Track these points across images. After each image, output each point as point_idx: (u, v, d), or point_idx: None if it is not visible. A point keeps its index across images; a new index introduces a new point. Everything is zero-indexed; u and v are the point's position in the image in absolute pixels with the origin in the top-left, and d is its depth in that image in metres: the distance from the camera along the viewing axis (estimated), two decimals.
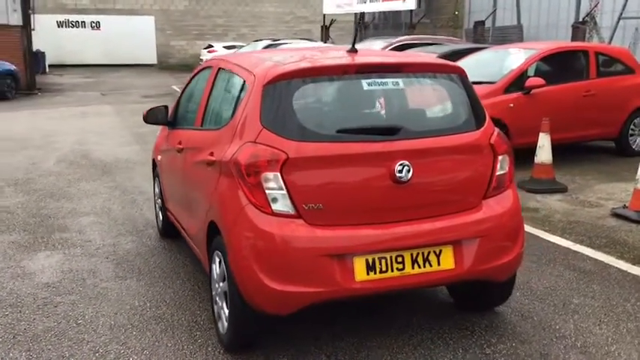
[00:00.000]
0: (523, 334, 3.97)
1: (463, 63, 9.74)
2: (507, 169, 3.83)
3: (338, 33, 30.55)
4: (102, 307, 4.39)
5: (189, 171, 4.47)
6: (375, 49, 4.74)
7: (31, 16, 25.90)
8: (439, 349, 3.77)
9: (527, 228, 5.99)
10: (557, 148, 7.82)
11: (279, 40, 20.81)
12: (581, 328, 4.05)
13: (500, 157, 3.78)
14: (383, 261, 3.44)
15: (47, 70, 30.72)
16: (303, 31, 35.63)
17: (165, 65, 34.70)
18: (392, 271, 3.45)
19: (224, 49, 28.29)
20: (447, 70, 3.88)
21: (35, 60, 29.77)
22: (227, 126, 3.83)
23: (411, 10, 21.83)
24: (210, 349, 3.79)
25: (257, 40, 22.93)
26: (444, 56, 10.73)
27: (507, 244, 3.77)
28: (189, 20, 36.03)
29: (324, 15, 26.12)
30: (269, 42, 20.06)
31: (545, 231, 6.03)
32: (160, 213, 5.87)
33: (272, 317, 3.51)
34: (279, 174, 3.34)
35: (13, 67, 20.77)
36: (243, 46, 23.72)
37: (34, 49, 30.19)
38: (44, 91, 22.90)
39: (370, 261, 3.42)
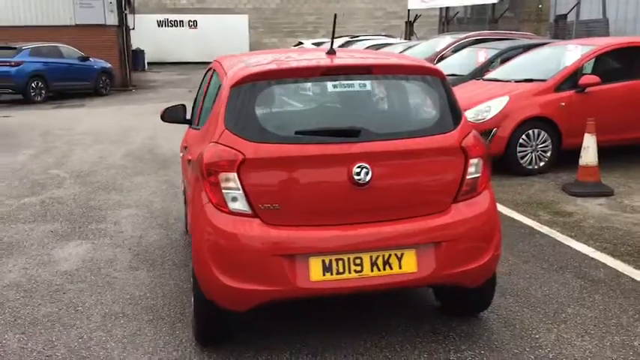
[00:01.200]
0: (498, 341, 3.87)
1: (519, 60, 9.48)
2: (481, 172, 3.75)
3: (430, 28, 30.22)
4: (104, 296, 4.65)
5: (185, 169, 4.66)
6: (357, 51, 4.70)
7: (131, 16, 27.30)
8: (404, 352, 3.76)
9: (553, 234, 5.83)
10: (615, 150, 7.45)
11: (357, 37, 20.84)
12: (562, 338, 3.90)
13: (472, 161, 3.71)
14: (340, 262, 3.47)
15: (146, 67, 32.24)
16: (392, 27, 35.48)
17: None
18: (349, 272, 3.47)
19: (312, 45, 28.63)
20: (420, 71, 3.84)
21: (135, 58, 31.39)
22: (204, 126, 3.98)
23: (493, 4, 21.25)
24: (183, 341, 3.94)
25: (339, 37, 23.05)
26: (502, 53, 10.47)
27: (477, 249, 3.70)
28: (280, 18, 36.73)
29: (409, 10, 25.90)
30: (347, 39, 20.16)
31: (571, 237, 5.78)
32: (184, 208, 6.11)
33: (236, 312, 3.61)
34: (236, 174, 3.43)
35: (108, 65, 22.00)
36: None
37: (135, 47, 31.84)
38: (138, 88, 24.08)
39: (327, 262, 3.45)
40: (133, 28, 28.41)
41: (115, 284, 4.88)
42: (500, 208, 6.67)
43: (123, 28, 24.14)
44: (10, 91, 18.81)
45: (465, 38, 12.82)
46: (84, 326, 4.17)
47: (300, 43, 30.90)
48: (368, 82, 3.72)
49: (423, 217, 3.62)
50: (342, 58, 3.91)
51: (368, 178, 3.45)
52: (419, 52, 13.29)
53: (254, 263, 3.42)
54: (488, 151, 7.50)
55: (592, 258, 5.24)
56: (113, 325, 4.18)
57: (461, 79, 10.10)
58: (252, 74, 3.64)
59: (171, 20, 36.32)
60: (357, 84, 3.69)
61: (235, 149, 3.47)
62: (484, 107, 8.24)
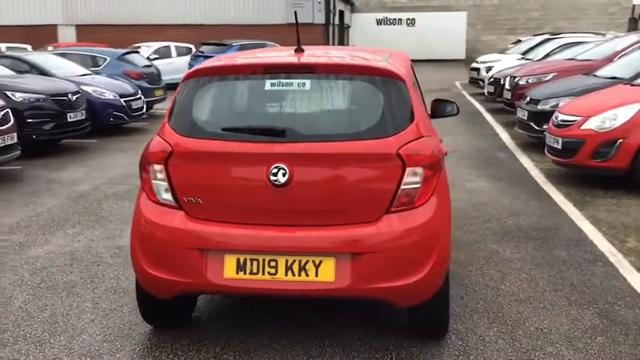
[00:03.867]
0: None
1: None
2: (422, 183, 3.44)
3: None
4: (128, 272, 5.02)
5: None
6: (327, 48, 4.46)
7: (349, 14, 28.28)
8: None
9: (621, 263, 5.06)
10: None
11: (559, 34, 19.40)
12: None
13: (410, 170, 3.42)
14: (255, 263, 3.44)
15: None
16: (626, 24, 32.26)
17: (472, 61, 34.67)
18: (263, 274, 3.43)
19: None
20: (368, 72, 3.62)
21: None
22: None
23: None
24: (134, 316, 4.16)
25: (538, 34, 21.65)
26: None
27: (406, 266, 3.41)
28: (502, 14, 35.40)
29: (633, 6, 23.41)
30: (547, 36, 18.89)
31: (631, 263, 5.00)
32: None
33: (161, 299, 3.74)
34: (163, 166, 3.57)
35: None
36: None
37: (350, 44, 33.01)
38: None
39: (241, 260, 3.44)
40: (349, 26, 29.43)
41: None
42: (588, 227, 5.96)
43: (329, 27, 25.16)
44: None
45: None
46: (82, 297, 4.57)
47: (519, 40, 29.51)
48: (308, 82, 3.60)
49: (348, 225, 3.43)
50: (300, 57, 3.81)
51: (284, 179, 3.37)
52: (597, 52, 12.08)
53: (171, 254, 3.53)
54: (608, 164, 6.79)
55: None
56: (102, 299, 4.53)
57: (613, 82, 9.02)
58: (197, 70, 3.74)
59: (389, 18, 36.89)
60: (296, 83, 3.60)
61: (167, 142, 3.60)
62: (610, 115, 7.32)
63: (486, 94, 15.80)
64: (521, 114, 10.26)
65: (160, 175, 3.59)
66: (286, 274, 3.41)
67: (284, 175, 3.37)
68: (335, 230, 3.42)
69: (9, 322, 4.15)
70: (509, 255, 5.36)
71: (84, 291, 4.67)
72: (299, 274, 3.41)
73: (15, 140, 8.67)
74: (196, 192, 3.53)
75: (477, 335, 3.92)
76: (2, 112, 8.50)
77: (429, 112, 5.51)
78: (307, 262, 3.41)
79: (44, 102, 10.27)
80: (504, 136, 11.63)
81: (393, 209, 3.43)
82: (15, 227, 6.29)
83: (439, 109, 5.46)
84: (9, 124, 8.58)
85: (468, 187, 7.83)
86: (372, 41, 35.44)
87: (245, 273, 3.44)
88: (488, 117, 14.26)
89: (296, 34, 4.02)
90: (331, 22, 25.85)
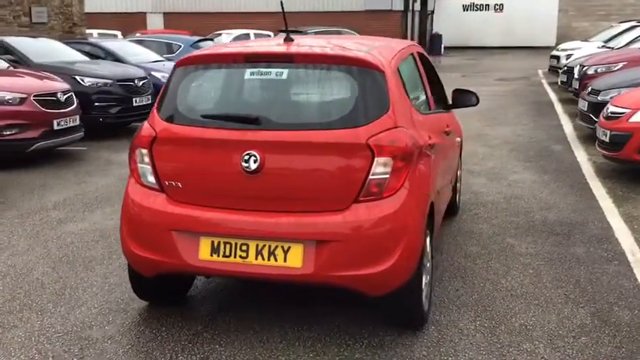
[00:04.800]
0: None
1: None
2: (391, 174, 3.45)
3: None
4: None
5: None
6: (318, 38, 4.42)
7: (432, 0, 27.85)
8: (305, 349, 3.68)
9: (638, 261, 4.86)
10: None
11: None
12: None
13: (380, 160, 3.44)
14: (228, 246, 3.57)
15: (442, 51, 32.61)
16: None
17: None
18: (235, 257, 3.56)
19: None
20: (347, 62, 3.65)
21: (432, 42, 32.08)
22: None
23: None
24: (125, 288, 4.39)
25: (624, 22, 20.56)
26: None
27: (372, 255, 3.45)
28: (596, 0, 33.76)
29: None
30: (633, 23, 17.92)
31: None
32: None
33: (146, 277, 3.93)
34: (147, 150, 3.75)
35: None
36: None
37: (434, 31, 32.52)
38: None
39: (215, 243, 3.58)
40: (432, 12, 28.96)
41: None
42: (619, 224, 5.75)
43: (407, 13, 24.87)
44: None
45: None
46: (94, 271, 4.85)
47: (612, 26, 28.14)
48: (285, 71, 3.67)
49: (317, 213, 3.50)
50: (289, 47, 3.88)
51: (255, 166, 3.47)
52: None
53: (153, 235, 3.71)
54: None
55: None
56: (110, 272, 4.80)
57: None
58: (184, 59, 3.88)
59: (476, 4, 35.96)
60: (274, 72, 3.68)
61: (152, 128, 3.78)
62: None
63: (559, 83, 15.22)
64: (582, 105, 9.86)
65: (145, 159, 3.77)
66: (256, 259, 3.52)
67: (255, 161, 3.47)
68: (304, 217, 3.50)
69: (22, 291, 4.48)
70: (523, 250, 5.24)
71: (99, 266, 4.95)
72: (268, 259, 3.51)
73: (78, 122, 9.19)
74: (177, 176, 3.69)
75: (457, 328, 3.90)
76: (66, 96, 9.02)
77: (450, 102, 5.48)
78: (276, 247, 3.50)
79: (111, 87, 10.76)
80: (567, 127, 11.22)
81: (361, 199, 3.47)
82: (60, 204, 6.70)
83: (458, 99, 5.41)
84: (72, 107, 9.09)
85: (510, 180, 7.65)
86: (456, 28, 34.73)
87: (219, 255, 3.57)
88: (559, 107, 13.75)
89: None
90: (410, 8, 25.53)
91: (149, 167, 3.75)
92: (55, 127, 8.71)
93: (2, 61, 9.85)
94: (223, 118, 3.66)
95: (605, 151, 7.59)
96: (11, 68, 9.76)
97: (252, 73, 3.72)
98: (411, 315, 3.79)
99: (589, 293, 4.38)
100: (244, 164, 3.49)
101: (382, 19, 23.97)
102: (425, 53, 5.28)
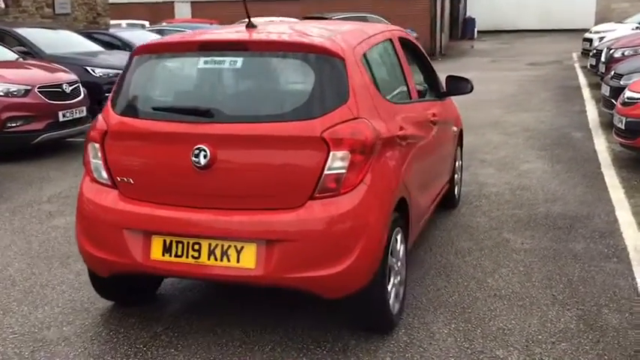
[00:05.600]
0: None
1: None
2: (349, 169, 3.22)
3: None
4: None
5: None
6: (278, 25, 4.18)
7: None
8: (263, 354, 3.49)
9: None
10: None
11: None
12: None
13: (336, 154, 3.22)
14: (180, 245, 3.40)
15: (475, 35, 31.92)
16: None
17: None
18: (187, 257, 3.38)
19: None
20: (304, 50, 3.41)
21: (464, 26, 31.40)
22: None
23: None
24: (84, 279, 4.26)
25: None
26: None
27: (327, 255, 3.23)
28: None
29: None
30: None
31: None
32: None
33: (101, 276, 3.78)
34: (98, 145, 3.59)
35: (413, 34, 22.50)
36: None
37: (467, 15, 31.83)
38: (447, 57, 24.18)
39: (167, 242, 3.41)
40: None
41: None
42: (627, 218, 5.43)
43: None
44: None
45: None
46: (73, 267, 4.74)
47: None
48: (240, 60, 3.46)
49: (271, 210, 3.30)
50: (224, 34, 3.68)
51: (205, 161, 3.28)
52: None
53: (104, 233, 3.56)
54: None
55: None
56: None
57: None
58: (139, 48, 3.70)
59: None
60: (228, 61, 3.47)
61: (105, 121, 3.61)
62: None
63: (588, 67, 14.66)
64: (605, 90, 9.41)
65: (97, 154, 3.61)
66: (209, 259, 3.34)
67: (205, 157, 3.28)
68: (257, 215, 3.30)
69: None
70: (518, 245, 4.95)
71: (75, 263, 4.82)
72: (221, 259, 3.33)
73: (85, 114, 9.12)
74: (128, 172, 3.52)
75: (429, 331, 3.66)
76: (73, 87, 8.97)
77: (444, 89, 5.21)
78: (229, 247, 3.32)
79: None
80: (592, 114, 10.75)
81: (317, 195, 3.25)
82: (54, 197, 6.62)
83: (452, 86, 5.13)
84: (79, 98, 9.03)
85: (521, 170, 7.32)
86: (491, 12, 33.91)
87: (171, 255, 3.40)
88: (586, 92, 13.23)
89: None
90: None
91: (101, 162, 3.59)
92: (61, 119, 8.66)
93: (11, 52, 9.84)
94: (173, 110, 3.47)
95: (621, 139, 7.20)
96: (20, 60, 9.74)
97: (205, 62, 3.51)
98: (376, 319, 3.56)
99: (579, 294, 4.08)
100: (194, 159, 3.30)
101: (410, 4, 23.43)
102: (412, 39, 4.99)
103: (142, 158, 3.50)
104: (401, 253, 3.74)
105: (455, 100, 5.69)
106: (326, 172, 3.22)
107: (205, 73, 3.56)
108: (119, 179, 3.54)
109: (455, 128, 5.61)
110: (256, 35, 3.60)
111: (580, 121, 10.16)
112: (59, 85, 8.76)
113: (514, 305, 3.95)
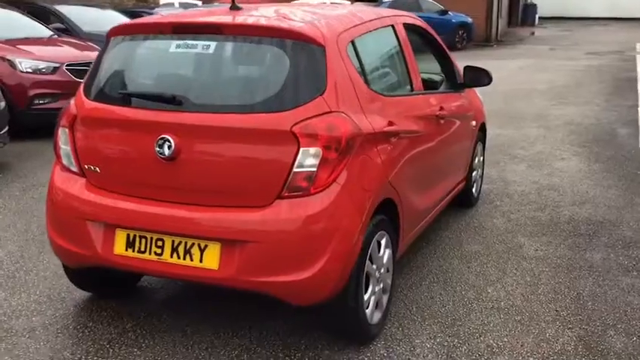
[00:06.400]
0: None
1: None
2: (320, 166, 2.95)
3: None
4: None
5: None
6: (266, 7, 3.83)
7: None
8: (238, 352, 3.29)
9: None
10: None
11: None
12: None
13: (306, 150, 2.95)
14: (143, 240, 3.20)
15: (536, 22, 30.82)
16: None
17: None
18: (150, 253, 3.19)
19: None
20: (280, 35, 3.14)
21: (525, 12, 30.37)
22: None
23: None
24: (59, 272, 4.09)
25: None
26: None
27: (294, 260, 2.98)
28: None
29: None
30: None
31: None
32: None
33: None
34: (67, 130, 3.42)
35: (468, 19, 21.83)
36: None
37: (529, 1, 30.74)
38: (504, 44, 23.42)
39: (131, 237, 3.22)
40: None
41: None
42: None
43: None
44: None
45: None
46: None
47: None
48: (213, 44, 3.21)
49: (237, 208, 3.07)
50: (228, 17, 3.41)
51: (169, 152, 3.07)
52: None
53: (69, 223, 3.40)
54: None
55: None
56: None
57: None
58: (113, 29, 3.49)
59: None
60: (200, 45, 3.23)
61: (75, 105, 3.44)
62: None
63: None
64: None
65: (67, 140, 3.44)
66: (172, 256, 3.14)
67: (169, 147, 3.06)
68: (222, 213, 3.07)
69: None
70: (531, 252, 4.59)
71: None
72: (184, 258, 3.12)
73: None
74: (95, 160, 3.34)
75: (411, 345, 3.37)
76: None
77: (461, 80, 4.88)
78: (192, 245, 3.11)
79: None
80: None
81: (285, 194, 3.00)
82: None
83: (469, 77, 4.78)
84: None
85: (554, 167, 6.88)
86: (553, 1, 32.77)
87: (134, 250, 3.22)
88: None
89: None
90: None
91: (68, 148, 3.42)
92: None
93: (46, 29, 9.86)
94: (139, 96, 3.26)
95: None
96: (55, 36, 9.75)
97: (178, 46, 3.28)
98: (350, 329, 3.30)
99: (586, 311, 3.72)
100: (158, 150, 3.08)
101: None
102: (423, 25, 4.65)
103: (108, 146, 3.31)
104: (385, 258, 3.45)
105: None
106: (295, 169, 2.96)
107: (177, 57, 3.32)
108: (87, 167, 3.36)
109: (474, 122, 5.23)
110: (233, 18, 3.35)
111: (629, 117, 9.54)
112: (88, 64, 8.68)
113: (510, 320, 3.62)
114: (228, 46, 3.23)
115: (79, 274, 3.71)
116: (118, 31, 3.47)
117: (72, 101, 3.51)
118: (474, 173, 5.46)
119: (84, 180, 3.38)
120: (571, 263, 4.38)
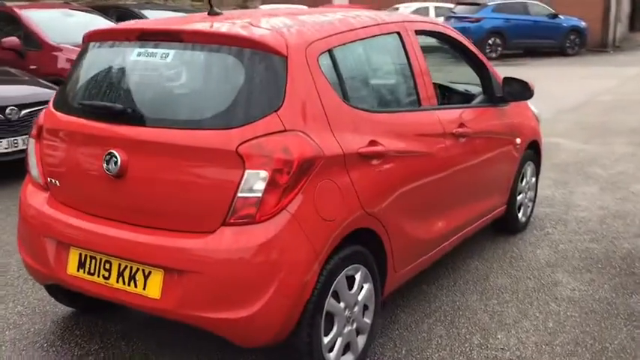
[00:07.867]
0: None
1: None
2: (267, 192, 2.62)
3: None
4: None
5: None
6: (245, 13, 3.43)
7: None
8: None
9: None
10: None
11: None
12: None
13: (251, 173, 2.63)
14: (93, 262, 3.01)
15: None
16: None
17: None
18: (98, 276, 2.98)
19: None
20: (239, 43, 2.82)
21: None
22: None
23: None
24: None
25: None
26: None
27: (234, 295, 2.67)
28: None
29: None
30: None
31: None
32: None
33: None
34: (34, 140, 3.29)
35: (581, 23, 20.53)
36: None
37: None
38: (620, 50, 21.87)
39: (83, 257, 3.04)
40: None
41: None
42: None
43: None
44: None
45: None
46: None
47: None
48: (171, 53, 2.95)
49: (182, 233, 2.80)
50: (193, 23, 3.15)
51: (115, 169, 2.86)
52: None
53: (31, 239, 3.28)
54: None
55: None
56: None
57: None
58: (87, 34, 3.32)
59: None
60: (159, 53, 2.98)
61: (43, 115, 3.31)
62: None
63: None
64: None
65: (33, 151, 3.31)
66: (117, 281, 2.92)
67: (115, 163, 2.85)
68: (166, 237, 2.81)
69: None
70: (566, 292, 4.00)
71: None
72: (128, 284, 2.89)
73: None
74: (55, 172, 3.20)
75: None
76: None
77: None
78: (137, 270, 2.87)
79: None
80: None
81: (230, 221, 2.69)
82: None
83: (507, 89, 4.29)
84: None
85: (630, 191, 6.15)
86: None
87: (84, 272, 3.03)
88: None
89: None
90: None
91: (34, 160, 3.29)
92: None
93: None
94: (92, 108, 3.07)
95: None
96: None
97: (138, 54, 3.04)
98: None
99: None
100: (105, 166, 2.87)
101: None
102: (451, 33, 4.16)
103: (65, 159, 3.14)
104: (361, 295, 3.06)
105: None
106: (239, 194, 2.65)
107: (135, 66, 3.09)
108: (50, 180, 3.21)
109: (518, 140, 4.66)
110: (195, 25, 3.07)
111: None
112: None
113: None
114: (186, 55, 2.96)
115: (52, 289, 3.58)
116: (92, 36, 3.30)
117: (43, 111, 3.38)
118: (519, 197, 4.89)
119: (47, 194, 3.24)
120: (608, 309, 3.77)
